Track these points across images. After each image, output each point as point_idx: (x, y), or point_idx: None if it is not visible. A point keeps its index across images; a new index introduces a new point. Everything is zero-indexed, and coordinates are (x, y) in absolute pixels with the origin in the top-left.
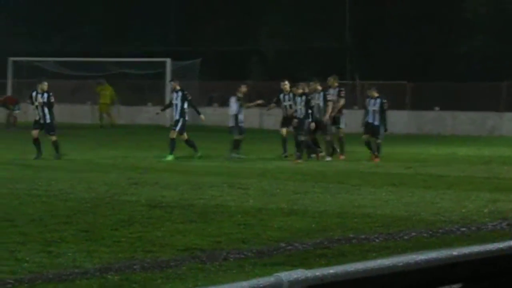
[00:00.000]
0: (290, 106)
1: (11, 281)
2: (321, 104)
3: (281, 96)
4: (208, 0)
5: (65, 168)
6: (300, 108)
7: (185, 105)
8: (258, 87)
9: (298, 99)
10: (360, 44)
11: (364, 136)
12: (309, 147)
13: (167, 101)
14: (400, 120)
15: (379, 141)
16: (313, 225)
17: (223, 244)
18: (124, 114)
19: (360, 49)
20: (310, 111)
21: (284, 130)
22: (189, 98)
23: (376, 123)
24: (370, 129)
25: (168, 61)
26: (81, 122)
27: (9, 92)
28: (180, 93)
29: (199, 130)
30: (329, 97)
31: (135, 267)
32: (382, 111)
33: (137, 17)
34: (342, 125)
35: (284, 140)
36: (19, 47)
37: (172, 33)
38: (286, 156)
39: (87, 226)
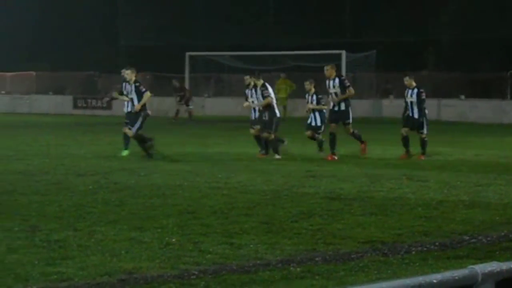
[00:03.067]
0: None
1: (195, 272)
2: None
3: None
4: None
5: (243, 160)
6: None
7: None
8: (432, 78)
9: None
10: None
11: (403, 130)
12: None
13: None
14: None
15: (424, 136)
16: (497, 218)
17: (404, 236)
18: (300, 107)
19: None
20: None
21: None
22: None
23: (417, 116)
24: (411, 123)
25: (343, 53)
26: None
27: (187, 87)
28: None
29: (377, 123)
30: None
31: (316, 259)
32: (419, 102)
33: (312, 9)
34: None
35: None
36: (196, 42)
37: (347, 24)
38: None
39: (267, 218)
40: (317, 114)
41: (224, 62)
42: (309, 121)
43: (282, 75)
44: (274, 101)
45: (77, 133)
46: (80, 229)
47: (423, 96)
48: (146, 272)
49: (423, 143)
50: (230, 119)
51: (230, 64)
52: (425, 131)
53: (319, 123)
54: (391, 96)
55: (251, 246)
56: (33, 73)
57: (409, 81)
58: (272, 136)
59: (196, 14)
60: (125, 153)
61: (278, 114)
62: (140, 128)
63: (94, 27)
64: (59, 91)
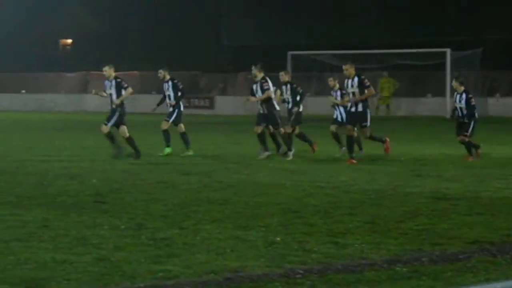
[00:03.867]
0: None
1: (301, 271)
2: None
3: None
4: None
5: (343, 160)
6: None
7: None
8: None
9: None
10: None
11: (459, 138)
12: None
13: (447, 92)
14: None
15: (466, 139)
16: None
17: None
18: (404, 106)
19: None
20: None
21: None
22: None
23: (466, 120)
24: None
25: (448, 51)
26: None
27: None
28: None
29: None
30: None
31: (423, 259)
32: (469, 108)
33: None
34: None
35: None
36: (298, 41)
37: (452, 22)
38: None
39: (372, 217)
40: (342, 109)
41: (326, 61)
42: (335, 116)
43: (385, 73)
44: (273, 95)
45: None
46: (185, 228)
47: (472, 102)
48: (251, 271)
49: (468, 145)
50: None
51: (332, 63)
52: (468, 133)
53: (345, 119)
54: (498, 95)
55: (356, 245)
56: (137, 72)
57: (456, 84)
58: (283, 130)
59: (298, 13)
60: (167, 151)
61: (278, 108)
62: (114, 125)
63: (197, 27)
64: (162, 90)
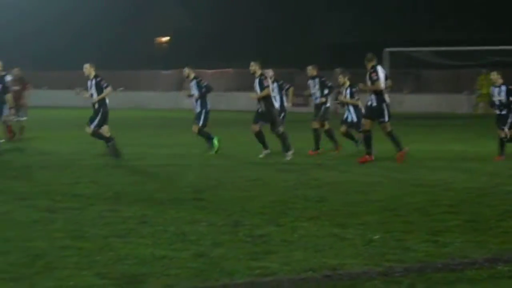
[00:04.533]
0: None
1: (400, 269)
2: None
3: None
4: None
5: (443, 158)
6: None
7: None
8: None
9: None
10: None
11: (501, 132)
12: None
13: None
14: None
15: (502, 135)
16: None
17: None
18: None
19: None
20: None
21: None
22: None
23: (504, 112)
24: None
25: None
26: (457, 112)
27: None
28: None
29: None
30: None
31: None
32: (509, 102)
33: None
34: None
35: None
36: (395, 37)
37: None
38: None
39: (473, 216)
40: (351, 108)
41: (425, 58)
42: (345, 116)
43: (484, 71)
44: (272, 93)
45: None
46: (283, 225)
47: None
48: (350, 269)
49: (502, 143)
50: (430, 115)
51: (430, 60)
52: (504, 129)
53: (355, 119)
54: None
55: (456, 244)
56: (231, 70)
57: (494, 77)
58: (282, 130)
59: (395, 9)
60: (215, 144)
61: (276, 106)
62: (98, 125)
63: (294, 24)
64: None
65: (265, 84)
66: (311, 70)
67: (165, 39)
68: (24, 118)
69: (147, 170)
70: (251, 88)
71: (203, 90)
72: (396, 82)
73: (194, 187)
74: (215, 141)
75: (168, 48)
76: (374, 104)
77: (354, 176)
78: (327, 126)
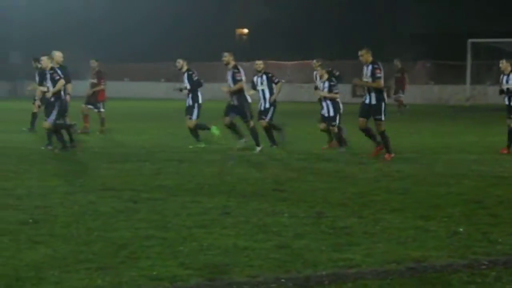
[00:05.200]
0: None
1: (485, 262)
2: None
3: None
4: None
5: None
6: None
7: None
8: None
9: None
10: None
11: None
12: None
13: None
14: None
15: None
16: None
17: None
18: None
19: None
20: None
21: None
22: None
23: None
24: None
25: None
26: None
27: (468, 76)
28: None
29: None
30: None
31: None
32: None
33: None
34: None
35: None
36: (478, 28)
37: None
38: None
39: None
40: (329, 103)
41: (508, 49)
42: (322, 111)
43: None
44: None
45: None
46: (365, 217)
47: None
48: (434, 261)
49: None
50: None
51: None
52: None
53: (332, 113)
54: None
55: None
56: (312, 62)
57: (503, 65)
58: (252, 124)
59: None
60: (214, 131)
61: (249, 100)
62: (56, 119)
63: (374, 16)
64: (338, 80)
65: (238, 77)
66: (315, 63)
67: (245, 30)
68: (102, 110)
69: (227, 161)
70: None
71: (194, 83)
72: (480, 74)
73: (275, 178)
74: (214, 131)
75: (247, 40)
76: (374, 102)
77: (438, 168)
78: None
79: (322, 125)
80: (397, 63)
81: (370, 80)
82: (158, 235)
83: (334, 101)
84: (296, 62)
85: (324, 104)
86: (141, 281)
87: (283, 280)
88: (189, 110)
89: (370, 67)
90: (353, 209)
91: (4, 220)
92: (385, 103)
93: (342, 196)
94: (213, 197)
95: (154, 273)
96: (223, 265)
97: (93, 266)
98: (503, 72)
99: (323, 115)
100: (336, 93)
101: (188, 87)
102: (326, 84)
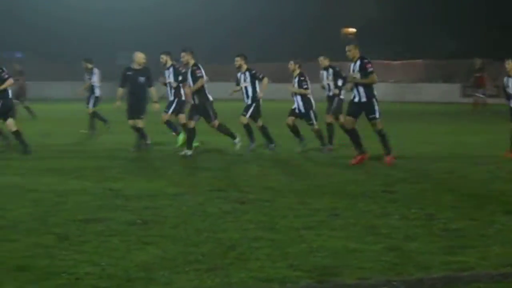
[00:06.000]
0: None
1: None
2: None
3: None
4: None
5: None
6: None
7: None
8: None
9: None
10: None
11: None
12: None
13: None
14: None
15: None
16: None
17: None
18: None
19: None
20: None
21: None
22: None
23: None
24: None
25: None
26: None
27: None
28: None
29: None
30: None
31: None
32: None
33: None
34: None
35: None
36: None
37: None
38: None
39: None
40: (299, 99)
41: None
42: (293, 106)
43: None
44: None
45: (466, 122)
46: (478, 219)
47: None
48: None
49: None
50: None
51: None
52: None
53: (303, 110)
54: None
55: None
56: (421, 61)
57: (509, 63)
58: (217, 124)
59: None
60: (180, 139)
61: (210, 98)
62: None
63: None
64: (446, 79)
65: (198, 74)
66: (322, 60)
67: (352, 29)
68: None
69: (336, 162)
70: (444, 79)
71: (179, 79)
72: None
73: (384, 179)
74: (181, 137)
75: (354, 39)
76: (364, 99)
77: None
78: (342, 119)
79: (289, 119)
80: (477, 61)
81: (359, 76)
82: (267, 237)
83: (304, 97)
84: (404, 61)
85: (295, 99)
86: (251, 283)
87: (394, 283)
88: (168, 104)
89: (358, 62)
90: (466, 211)
91: (114, 220)
92: (376, 100)
93: (453, 198)
94: (320, 198)
95: (264, 274)
96: (333, 267)
97: (202, 267)
98: (508, 74)
99: (293, 109)
100: (306, 88)
101: (173, 83)
102: (297, 79)
